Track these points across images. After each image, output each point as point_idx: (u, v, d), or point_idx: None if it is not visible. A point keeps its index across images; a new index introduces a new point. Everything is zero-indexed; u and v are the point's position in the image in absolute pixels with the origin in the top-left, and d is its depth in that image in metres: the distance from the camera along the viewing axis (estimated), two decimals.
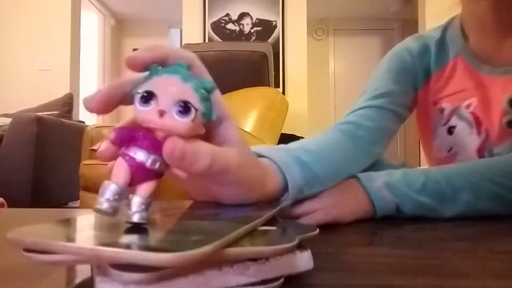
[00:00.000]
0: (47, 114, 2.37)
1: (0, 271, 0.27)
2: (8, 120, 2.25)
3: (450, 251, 0.33)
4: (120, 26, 5.35)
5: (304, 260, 0.23)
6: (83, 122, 2.76)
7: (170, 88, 0.22)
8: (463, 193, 0.45)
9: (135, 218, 0.21)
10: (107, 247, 0.17)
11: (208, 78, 0.26)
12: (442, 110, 0.65)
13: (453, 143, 0.64)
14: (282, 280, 0.21)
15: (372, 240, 0.42)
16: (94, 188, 1.42)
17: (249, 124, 1.71)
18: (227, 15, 3.25)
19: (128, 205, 0.21)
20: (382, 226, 0.44)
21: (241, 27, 3.24)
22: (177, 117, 0.21)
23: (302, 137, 1.69)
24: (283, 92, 3.03)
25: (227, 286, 0.19)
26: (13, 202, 1.32)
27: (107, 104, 0.23)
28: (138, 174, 0.22)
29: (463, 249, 0.34)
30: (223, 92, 0.28)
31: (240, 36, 3.23)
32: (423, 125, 0.70)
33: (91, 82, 4.61)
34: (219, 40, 3.23)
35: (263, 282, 0.20)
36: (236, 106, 1.73)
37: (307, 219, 0.41)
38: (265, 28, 3.22)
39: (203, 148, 0.24)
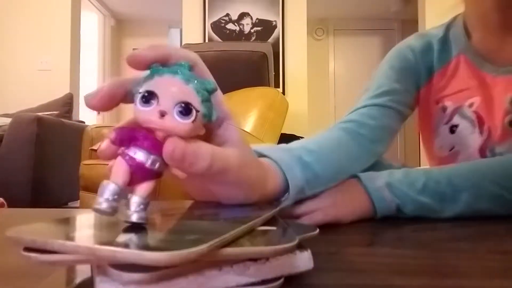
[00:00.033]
0: (47, 114, 2.37)
1: (0, 271, 0.27)
2: (8, 120, 2.25)
3: (449, 251, 0.33)
4: (120, 26, 5.35)
5: (304, 260, 0.23)
6: (83, 122, 2.76)
7: (171, 88, 0.22)
8: (464, 193, 0.45)
9: (134, 218, 0.21)
10: (104, 246, 0.17)
11: (209, 79, 0.26)
12: (444, 109, 0.64)
13: (455, 142, 0.64)
14: (282, 280, 0.21)
15: (372, 240, 0.42)
16: (94, 188, 1.42)
17: (249, 124, 1.71)
18: (227, 15, 3.25)
19: (127, 205, 0.21)
20: (382, 226, 0.44)
21: (241, 27, 3.24)
22: (178, 118, 0.21)
23: (302, 137, 1.68)
24: (283, 92, 3.03)
25: (227, 286, 0.19)
26: (13, 202, 1.31)
27: (109, 101, 0.23)
28: (138, 174, 0.22)
29: (462, 249, 0.34)
30: (223, 92, 0.28)
31: (240, 36, 3.23)
32: (424, 124, 0.70)
33: (91, 82, 4.61)
34: (219, 40, 3.22)
35: (263, 282, 0.20)
36: (236, 106, 1.73)
37: (307, 219, 0.41)
38: (265, 28, 3.22)
39: (203, 148, 0.24)
